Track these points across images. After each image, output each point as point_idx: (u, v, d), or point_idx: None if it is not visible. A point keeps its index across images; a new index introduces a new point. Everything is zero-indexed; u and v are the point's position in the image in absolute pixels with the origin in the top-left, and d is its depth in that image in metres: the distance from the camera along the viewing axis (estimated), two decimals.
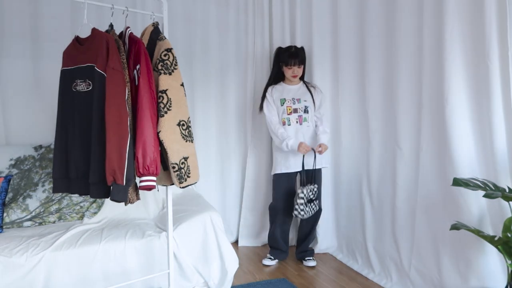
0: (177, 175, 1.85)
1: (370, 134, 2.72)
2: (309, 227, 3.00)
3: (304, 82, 3.02)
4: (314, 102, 2.95)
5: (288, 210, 2.93)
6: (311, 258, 2.96)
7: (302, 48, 2.96)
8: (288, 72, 2.91)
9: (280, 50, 2.97)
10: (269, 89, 2.98)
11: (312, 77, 3.14)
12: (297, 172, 2.95)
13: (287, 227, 3.04)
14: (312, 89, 2.98)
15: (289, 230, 3.10)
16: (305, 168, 2.85)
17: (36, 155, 2.56)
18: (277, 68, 2.98)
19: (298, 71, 2.90)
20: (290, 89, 2.97)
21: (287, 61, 2.88)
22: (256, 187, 3.42)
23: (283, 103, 2.91)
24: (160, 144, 1.83)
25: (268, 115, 2.92)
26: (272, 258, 2.99)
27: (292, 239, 3.32)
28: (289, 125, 2.87)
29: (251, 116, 3.43)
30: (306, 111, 2.90)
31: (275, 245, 3.03)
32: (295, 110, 2.90)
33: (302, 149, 2.75)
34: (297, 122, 2.89)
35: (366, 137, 2.76)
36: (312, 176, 2.85)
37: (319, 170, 2.96)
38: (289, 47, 2.94)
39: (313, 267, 2.90)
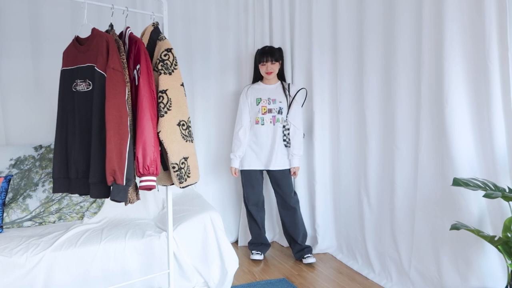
0: (177, 175, 1.85)
1: (369, 134, 2.72)
2: (291, 222, 3.02)
3: (282, 83, 3.05)
4: (288, 105, 2.98)
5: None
6: (310, 255, 2.96)
7: (278, 48, 3.06)
8: (262, 69, 2.98)
9: (256, 52, 3.07)
10: (245, 88, 3.07)
11: (311, 77, 3.14)
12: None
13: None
14: (287, 91, 3.01)
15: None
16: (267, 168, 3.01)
17: (36, 155, 2.56)
18: (256, 69, 3.08)
19: (271, 67, 2.95)
20: (267, 89, 3.02)
21: (260, 58, 2.97)
22: None
23: (259, 102, 2.96)
24: (160, 144, 1.83)
25: (238, 118, 3.01)
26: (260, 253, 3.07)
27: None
28: (262, 124, 2.94)
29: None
30: (280, 112, 2.95)
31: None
32: (270, 110, 2.95)
33: (231, 172, 3.01)
34: (270, 122, 2.94)
35: (365, 137, 2.76)
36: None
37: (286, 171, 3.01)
38: (264, 47, 3.03)
39: (312, 263, 2.91)
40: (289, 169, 2.99)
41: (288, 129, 2.95)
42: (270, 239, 3.44)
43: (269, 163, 2.96)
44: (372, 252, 2.75)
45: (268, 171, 3.00)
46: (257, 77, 3.08)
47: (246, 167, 2.99)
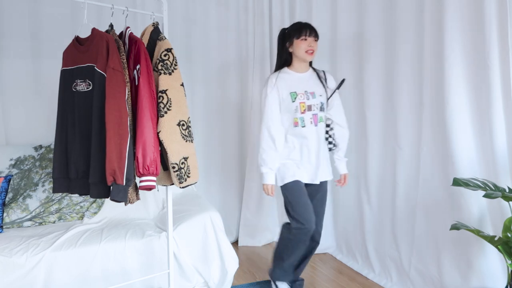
0: (177, 175, 1.85)
1: (369, 135, 2.72)
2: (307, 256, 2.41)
3: (315, 70, 2.34)
4: (327, 98, 2.30)
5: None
6: None
7: None
8: (301, 46, 2.18)
9: (284, 29, 2.30)
10: (272, 79, 2.22)
11: None
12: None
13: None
14: (323, 80, 2.32)
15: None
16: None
17: (36, 155, 2.56)
18: (284, 52, 2.26)
19: (315, 45, 2.21)
20: (301, 79, 2.25)
21: (298, 32, 2.18)
22: (256, 186, 3.42)
23: (295, 98, 2.18)
24: (160, 144, 1.83)
25: (268, 117, 2.19)
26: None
27: None
28: (303, 126, 2.20)
29: (251, 116, 3.43)
30: (322, 108, 2.25)
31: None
32: (309, 108, 2.20)
33: (265, 190, 2.22)
34: (311, 122, 2.21)
35: (366, 137, 2.76)
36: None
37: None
38: (295, 22, 2.30)
39: (312, 263, 2.90)
40: (326, 181, 2.36)
41: (332, 129, 2.36)
42: (270, 239, 3.44)
43: (315, 175, 2.26)
44: (372, 252, 2.75)
45: (306, 186, 2.27)
46: (283, 63, 2.28)
47: (290, 178, 2.21)
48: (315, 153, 2.23)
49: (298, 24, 2.22)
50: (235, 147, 3.48)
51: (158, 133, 1.81)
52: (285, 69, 2.26)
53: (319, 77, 2.30)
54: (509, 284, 1.82)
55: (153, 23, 1.95)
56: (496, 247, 1.78)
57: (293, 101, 2.18)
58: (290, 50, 2.23)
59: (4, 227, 2.34)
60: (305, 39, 2.18)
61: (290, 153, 2.23)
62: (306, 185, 2.25)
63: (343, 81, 2.34)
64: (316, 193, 2.30)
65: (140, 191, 1.87)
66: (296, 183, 2.21)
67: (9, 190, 2.41)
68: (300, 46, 2.18)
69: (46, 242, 2.11)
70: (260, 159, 2.20)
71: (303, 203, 2.19)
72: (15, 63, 2.72)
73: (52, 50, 2.72)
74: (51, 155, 2.58)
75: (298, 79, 2.24)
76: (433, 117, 2.23)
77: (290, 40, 2.21)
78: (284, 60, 2.27)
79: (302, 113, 2.19)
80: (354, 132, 2.90)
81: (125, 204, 1.78)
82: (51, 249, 2.04)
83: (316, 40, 2.22)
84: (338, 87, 2.31)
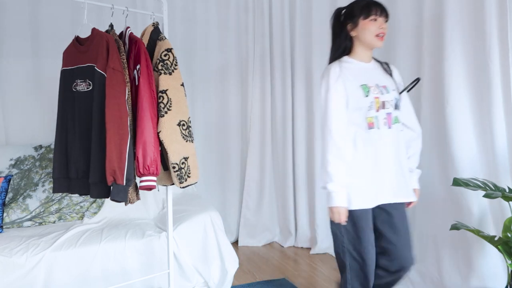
0: (177, 175, 1.85)
1: None
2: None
3: (378, 61, 1.83)
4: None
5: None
6: None
7: None
8: (370, 28, 1.66)
9: (340, 9, 1.78)
10: (335, 67, 1.70)
11: (312, 77, 3.14)
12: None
13: None
14: (389, 71, 1.82)
15: None
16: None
17: (36, 155, 2.56)
18: (344, 37, 1.74)
19: (385, 27, 1.70)
20: (367, 70, 1.74)
21: (367, 10, 1.67)
22: (256, 186, 3.42)
23: (367, 92, 1.66)
24: (160, 144, 1.83)
25: (332, 117, 1.67)
26: None
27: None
28: (378, 128, 1.67)
29: (251, 116, 3.43)
30: (396, 106, 1.73)
31: None
32: (383, 105, 1.69)
33: (336, 215, 1.62)
34: (385, 124, 1.69)
35: None
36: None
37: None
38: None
39: (312, 264, 2.91)
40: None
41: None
42: (270, 239, 3.44)
43: (394, 193, 1.70)
44: None
45: (380, 208, 1.72)
46: (343, 51, 1.75)
47: (358, 205, 1.64)
48: (394, 164, 1.69)
49: (364, 1, 1.69)
50: (235, 147, 3.48)
51: (158, 133, 1.81)
52: (345, 58, 1.74)
53: (384, 69, 1.81)
54: (509, 284, 1.82)
55: (153, 23, 1.95)
56: (496, 247, 1.78)
57: (367, 96, 1.65)
58: (353, 34, 1.71)
59: (4, 227, 2.33)
60: (375, 20, 1.66)
61: (360, 167, 1.66)
62: (379, 206, 1.71)
63: (417, 80, 1.80)
64: (393, 210, 1.73)
65: (140, 191, 1.87)
66: (364, 213, 1.65)
67: (9, 190, 2.41)
68: (368, 29, 1.66)
69: (46, 242, 2.11)
70: (325, 173, 1.64)
71: (367, 239, 1.67)
72: (15, 63, 2.72)
73: (52, 50, 2.72)
74: (51, 155, 2.57)
75: (365, 70, 1.73)
76: (433, 117, 2.23)
77: (354, 21, 1.69)
78: (343, 47, 1.75)
79: (377, 111, 1.67)
80: None
81: (125, 204, 1.78)
82: (51, 249, 2.04)
83: (386, 21, 1.70)
84: (412, 87, 1.80)
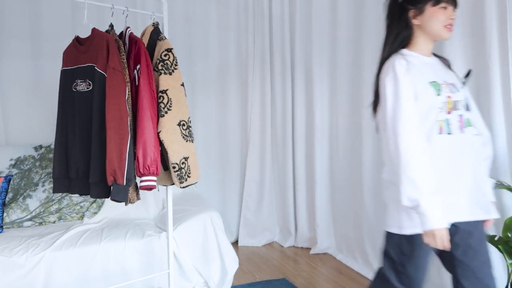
0: (178, 175, 1.85)
1: (368, 133, 2.72)
2: None
3: (438, 57, 1.58)
4: None
5: None
6: None
7: None
8: (438, 17, 1.43)
9: None
10: (400, 60, 1.42)
11: (312, 77, 3.14)
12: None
13: None
14: (451, 67, 1.60)
15: None
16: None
17: (36, 155, 2.56)
18: (404, 25, 1.49)
19: (455, 17, 1.47)
20: (431, 65, 1.49)
21: None
22: (256, 186, 3.42)
23: (439, 90, 1.41)
24: (161, 144, 1.83)
25: (408, 116, 1.36)
26: None
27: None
28: (449, 133, 1.41)
29: (251, 115, 3.43)
30: (467, 107, 1.48)
31: None
32: (455, 105, 1.44)
33: (438, 240, 1.29)
34: (458, 127, 1.44)
35: (365, 137, 2.76)
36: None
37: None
38: None
39: (312, 264, 2.91)
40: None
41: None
42: (270, 239, 3.44)
43: (470, 209, 1.42)
44: (371, 252, 2.75)
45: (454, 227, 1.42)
46: (401, 42, 1.49)
47: (419, 227, 1.36)
48: (471, 175, 1.43)
49: None
50: (236, 147, 3.48)
51: (158, 133, 1.81)
52: (405, 51, 1.48)
53: (447, 66, 1.57)
54: (510, 284, 1.82)
55: (153, 23, 1.95)
56: (497, 246, 1.78)
57: (438, 95, 1.40)
58: (416, 22, 1.47)
59: (4, 227, 2.33)
60: (445, 8, 1.43)
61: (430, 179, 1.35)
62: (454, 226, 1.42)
63: (470, 72, 1.63)
64: (472, 230, 1.46)
65: (140, 191, 1.87)
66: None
67: (9, 190, 2.41)
68: (437, 17, 1.43)
69: (46, 242, 2.11)
70: (409, 185, 1.31)
71: (423, 265, 1.48)
72: (15, 63, 2.73)
73: (52, 50, 2.72)
74: (51, 155, 2.57)
75: (430, 66, 1.48)
76: None
77: (419, 7, 1.45)
78: (402, 37, 1.49)
79: (448, 113, 1.42)
80: (352, 131, 2.91)
81: (126, 204, 1.78)
82: (51, 249, 2.04)
83: (456, 9, 1.48)
84: (466, 80, 1.59)
